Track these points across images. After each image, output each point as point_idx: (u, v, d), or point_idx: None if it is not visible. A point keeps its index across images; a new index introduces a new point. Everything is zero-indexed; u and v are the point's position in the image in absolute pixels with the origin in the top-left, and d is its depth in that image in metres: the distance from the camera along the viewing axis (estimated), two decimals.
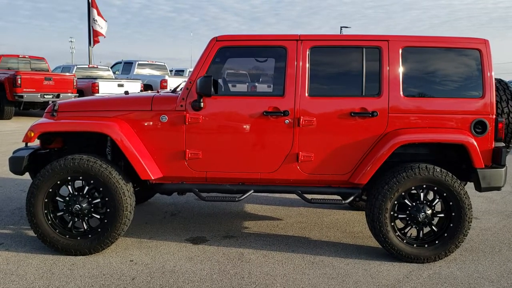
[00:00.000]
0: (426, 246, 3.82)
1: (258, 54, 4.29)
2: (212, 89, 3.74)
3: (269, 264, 3.74)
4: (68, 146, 4.26)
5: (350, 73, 3.94)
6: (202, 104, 3.83)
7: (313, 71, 3.88)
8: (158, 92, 4.35)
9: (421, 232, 3.86)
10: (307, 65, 3.86)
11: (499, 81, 4.16)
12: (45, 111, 4.16)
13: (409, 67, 3.87)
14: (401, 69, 3.85)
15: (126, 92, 4.39)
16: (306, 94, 3.84)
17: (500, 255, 4.05)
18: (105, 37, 19.93)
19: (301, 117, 3.82)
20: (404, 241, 3.82)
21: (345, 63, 3.96)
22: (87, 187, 3.82)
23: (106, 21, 19.81)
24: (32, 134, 3.86)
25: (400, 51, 3.85)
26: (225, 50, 3.98)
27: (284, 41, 3.88)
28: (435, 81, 3.90)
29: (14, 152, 4.08)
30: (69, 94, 14.79)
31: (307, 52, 3.86)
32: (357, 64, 3.87)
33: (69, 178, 3.77)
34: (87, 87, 15.48)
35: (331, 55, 3.94)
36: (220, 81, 4.22)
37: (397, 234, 3.83)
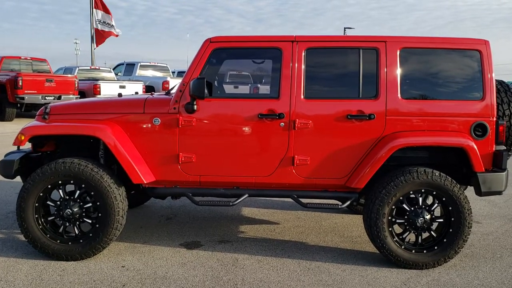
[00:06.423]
0: (424, 252, 3.72)
1: (253, 56, 4.22)
2: (206, 91, 3.67)
3: (263, 270, 3.66)
4: (61, 150, 4.20)
5: (346, 75, 3.86)
6: (195, 106, 3.75)
7: (309, 73, 3.80)
8: (152, 94, 4.28)
9: (420, 237, 3.77)
10: (303, 66, 3.78)
11: (500, 83, 4.06)
12: (37, 113, 4.10)
13: (407, 68, 3.78)
14: (399, 71, 3.76)
15: (120, 95, 4.32)
16: (302, 97, 3.76)
17: (502, 261, 3.95)
18: (117, 36, 19.29)
19: (297, 119, 3.73)
20: (402, 247, 3.73)
21: (342, 64, 3.88)
22: (78, 191, 3.75)
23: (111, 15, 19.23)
24: (23, 138, 3.80)
25: (398, 52, 3.76)
26: (220, 52, 3.90)
27: (279, 42, 3.80)
28: (434, 83, 3.81)
29: (5, 156, 4.02)
30: (71, 96, 14.77)
31: (303, 54, 3.78)
32: (354, 65, 3.79)
33: (60, 182, 3.71)
34: (89, 89, 15.45)
35: (328, 57, 3.86)
36: (215, 83, 4.14)
37: (395, 239, 3.73)
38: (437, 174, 3.64)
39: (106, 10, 18.56)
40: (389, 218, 3.71)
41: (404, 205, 3.72)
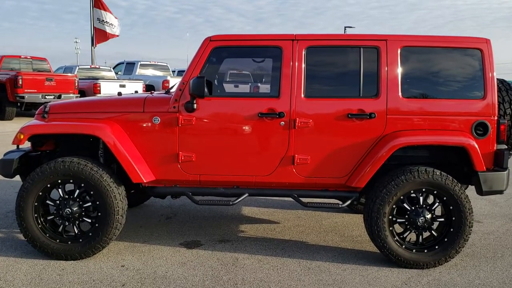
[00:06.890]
0: (425, 251, 3.71)
1: (253, 55, 4.20)
2: (206, 90, 3.65)
3: (263, 270, 3.65)
4: (60, 149, 4.18)
5: (347, 74, 3.84)
6: (195, 105, 3.74)
7: (309, 71, 3.78)
8: (151, 93, 4.26)
9: (421, 237, 3.75)
10: (303, 65, 3.76)
11: (501, 82, 4.05)
12: (36, 112, 4.09)
13: (408, 67, 3.76)
14: (399, 70, 3.74)
15: (120, 94, 4.31)
16: (302, 95, 3.74)
17: (503, 260, 3.93)
18: (118, 35, 19.23)
19: (297, 118, 3.72)
20: (403, 246, 3.72)
21: (342, 63, 3.86)
22: (78, 191, 3.74)
23: (117, 19, 19.17)
24: (22, 137, 3.78)
25: (399, 51, 3.74)
26: (220, 50, 3.88)
27: (279, 41, 3.78)
28: (435, 82, 3.79)
29: (4, 155, 4.01)
30: (71, 95, 14.74)
31: (303, 52, 3.76)
32: (355, 64, 3.77)
33: (59, 181, 3.69)
34: (89, 88, 15.42)
35: (328, 55, 3.84)
36: (215, 81, 4.12)
37: (395, 239, 3.72)
38: (438, 173, 3.62)
39: (107, 10, 18.51)
40: (390, 217, 3.69)
41: (405, 205, 3.70)
